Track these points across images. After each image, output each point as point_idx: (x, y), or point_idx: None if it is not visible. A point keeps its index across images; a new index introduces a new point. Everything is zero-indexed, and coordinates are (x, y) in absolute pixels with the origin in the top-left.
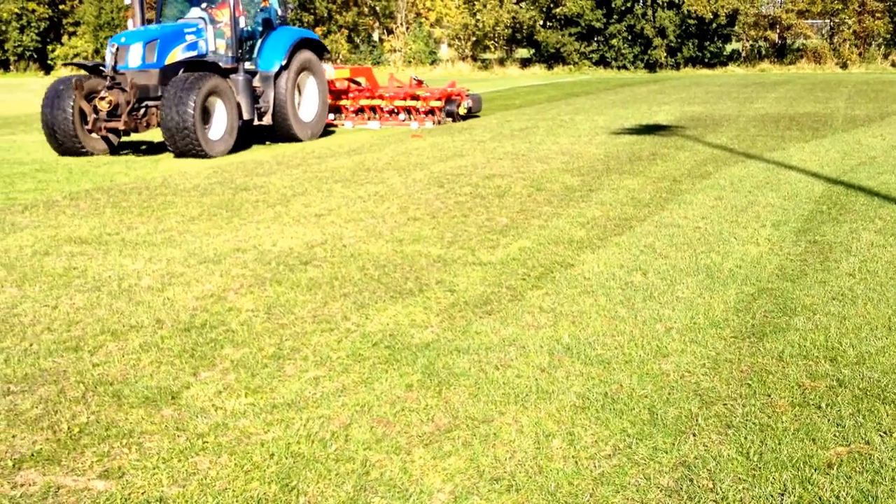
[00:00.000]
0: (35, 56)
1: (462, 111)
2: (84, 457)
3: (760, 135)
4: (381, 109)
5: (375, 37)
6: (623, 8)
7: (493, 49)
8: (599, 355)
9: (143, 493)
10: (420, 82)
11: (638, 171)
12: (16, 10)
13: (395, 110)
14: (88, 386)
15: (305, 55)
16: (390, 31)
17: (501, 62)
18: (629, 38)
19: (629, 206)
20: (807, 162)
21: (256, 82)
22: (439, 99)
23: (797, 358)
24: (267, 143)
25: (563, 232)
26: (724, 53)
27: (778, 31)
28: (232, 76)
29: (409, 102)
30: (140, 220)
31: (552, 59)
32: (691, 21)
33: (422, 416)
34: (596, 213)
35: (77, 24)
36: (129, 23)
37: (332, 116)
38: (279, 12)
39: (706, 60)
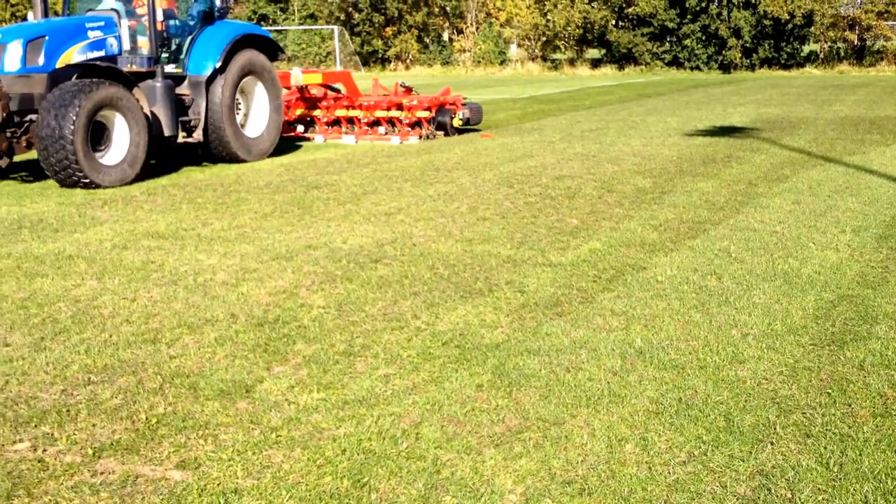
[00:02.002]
0: None
1: (457, 123)
2: (161, 447)
3: (839, 138)
4: (359, 121)
5: (445, 37)
6: (697, 8)
7: (563, 49)
8: (673, 360)
9: (218, 485)
10: (409, 89)
11: (712, 173)
12: None
13: (377, 122)
14: (166, 377)
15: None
16: (460, 32)
17: (571, 62)
18: (703, 38)
19: (703, 209)
20: (888, 166)
21: (185, 89)
22: (427, 109)
23: (879, 367)
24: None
25: (634, 234)
26: (801, 55)
27: (857, 32)
28: (146, 82)
29: (392, 113)
30: (215, 216)
31: (623, 59)
32: (767, 21)
33: (492, 416)
34: (669, 216)
35: None
36: (30, 15)
37: (301, 129)
38: (218, 2)
39: (782, 62)
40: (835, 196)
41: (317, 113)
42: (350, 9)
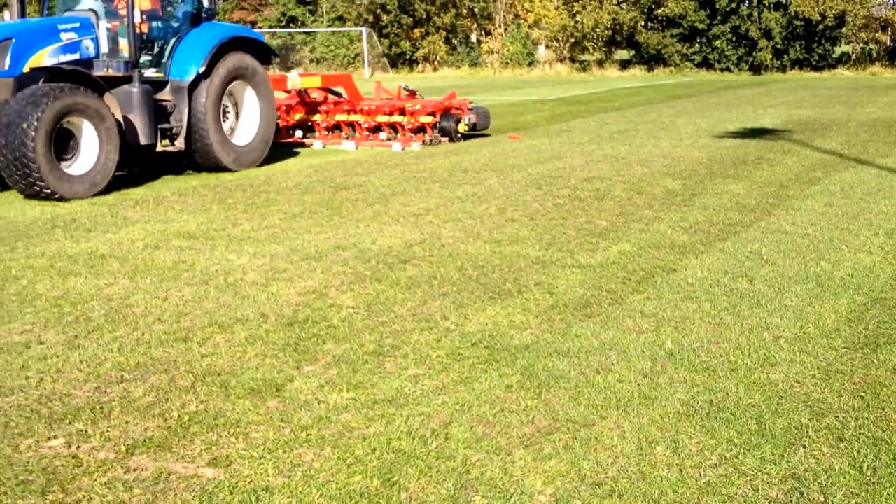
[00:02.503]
0: None
1: (462, 128)
2: (193, 444)
3: (872, 140)
4: (360, 126)
5: (473, 38)
6: (727, 9)
7: (591, 50)
8: (704, 362)
9: (249, 482)
10: (413, 93)
11: (743, 175)
12: None
13: (379, 127)
14: (197, 376)
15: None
16: (488, 33)
17: (600, 64)
18: (733, 39)
19: (734, 211)
20: None
21: (167, 95)
22: (431, 113)
23: None
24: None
25: (664, 236)
26: (833, 56)
27: (890, 33)
28: (121, 88)
29: (395, 118)
30: (245, 217)
31: (652, 60)
32: (798, 22)
33: (522, 417)
34: (699, 218)
35: None
36: (6, 15)
37: (300, 134)
38: (206, 3)
39: (813, 63)
40: (867, 198)
41: (316, 117)
42: (378, 10)
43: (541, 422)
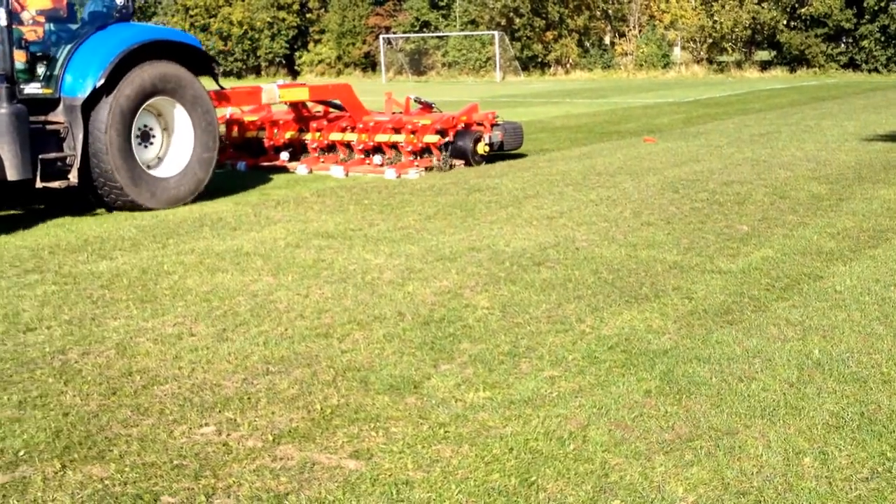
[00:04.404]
0: (283, 62)
1: (482, 149)
2: (336, 437)
3: None
4: (353, 148)
5: (606, 40)
6: (876, 7)
7: (730, 51)
8: (854, 373)
9: (390, 475)
10: (428, 106)
11: (894, 180)
12: (268, 19)
13: (379, 148)
14: (338, 371)
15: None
16: (622, 35)
17: (739, 65)
18: (882, 39)
19: (885, 217)
20: None
21: (59, 116)
22: (441, 132)
23: None
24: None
25: (810, 242)
26: None
27: None
28: None
29: (395, 137)
30: (380, 217)
31: (795, 61)
32: None
33: (661, 422)
34: (847, 224)
35: (322, 31)
36: None
37: (286, 157)
38: (119, 1)
39: None
40: None
41: (307, 136)
42: (511, 14)
43: (681, 428)
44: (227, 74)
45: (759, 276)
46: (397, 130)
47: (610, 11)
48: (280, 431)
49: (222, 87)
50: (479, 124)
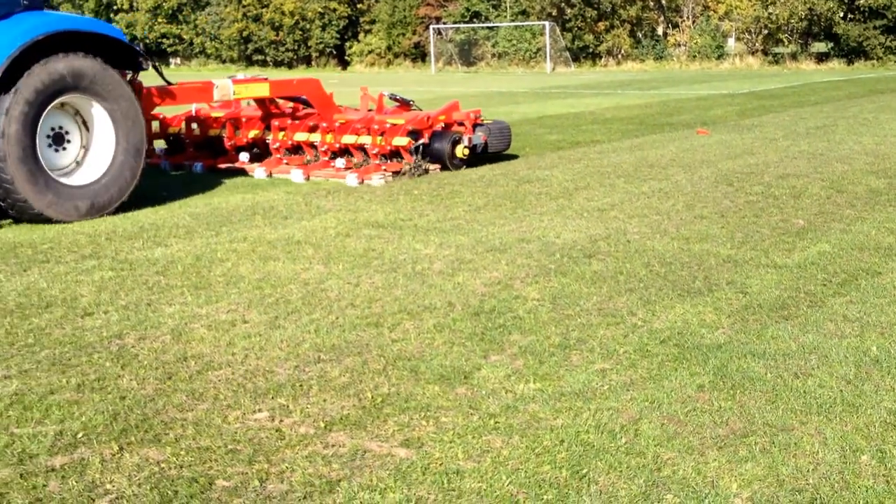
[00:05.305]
0: (334, 52)
1: (461, 152)
2: (386, 425)
3: None
4: (317, 149)
5: (659, 31)
6: None
7: (786, 43)
8: None
9: (440, 465)
10: (406, 104)
11: None
12: (319, 10)
13: (345, 150)
14: (388, 360)
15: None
16: (675, 25)
17: (794, 57)
18: None
19: None
20: None
21: None
22: (413, 133)
23: None
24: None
25: (868, 237)
26: None
27: None
28: None
29: (363, 138)
30: (430, 208)
31: (852, 53)
32: None
33: (715, 418)
34: None
35: (373, 22)
36: None
37: (246, 158)
38: None
39: None
40: None
41: (270, 137)
42: (562, 4)
43: (735, 424)
44: (277, 64)
45: (815, 271)
46: (363, 131)
47: (663, 2)
48: (332, 419)
49: (168, 83)
50: (460, 124)
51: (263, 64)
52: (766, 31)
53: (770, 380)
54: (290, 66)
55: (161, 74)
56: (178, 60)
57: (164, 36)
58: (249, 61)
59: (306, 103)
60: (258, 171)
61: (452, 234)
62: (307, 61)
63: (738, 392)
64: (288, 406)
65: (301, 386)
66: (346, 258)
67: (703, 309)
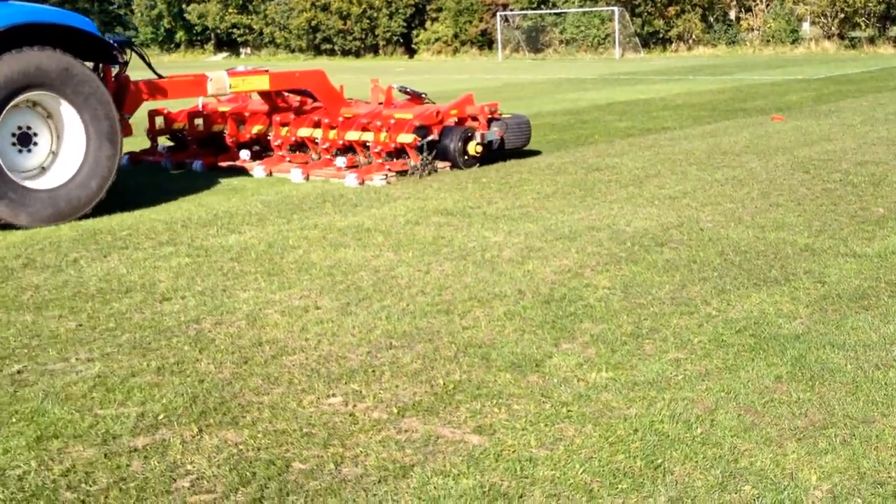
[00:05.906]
0: (401, 40)
1: (473, 150)
2: (459, 411)
3: None
4: (318, 146)
5: (732, 15)
6: None
7: (863, 27)
8: None
9: (513, 452)
10: (417, 97)
11: None
12: None
13: (350, 148)
14: (459, 347)
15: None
16: (748, 10)
17: (872, 41)
18: None
19: None
20: None
21: None
22: (420, 129)
23: None
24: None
25: None
26: None
27: None
28: None
29: (366, 135)
30: (499, 196)
31: None
32: None
33: (793, 409)
34: None
35: (440, 9)
36: None
37: (247, 156)
38: None
39: None
40: None
41: (271, 133)
42: None
43: (814, 415)
44: (345, 53)
45: None
46: (369, 127)
47: None
48: (404, 404)
49: (159, 76)
50: (474, 119)
51: (332, 53)
52: (842, 15)
53: (850, 371)
54: (357, 54)
55: (150, 67)
56: (249, 50)
57: (234, 26)
58: (318, 51)
59: (312, 96)
60: (257, 170)
61: (521, 222)
62: (374, 50)
63: (818, 383)
64: (361, 391)
65: (374, 371)
66: (416, 245)
67: (779, 298)
